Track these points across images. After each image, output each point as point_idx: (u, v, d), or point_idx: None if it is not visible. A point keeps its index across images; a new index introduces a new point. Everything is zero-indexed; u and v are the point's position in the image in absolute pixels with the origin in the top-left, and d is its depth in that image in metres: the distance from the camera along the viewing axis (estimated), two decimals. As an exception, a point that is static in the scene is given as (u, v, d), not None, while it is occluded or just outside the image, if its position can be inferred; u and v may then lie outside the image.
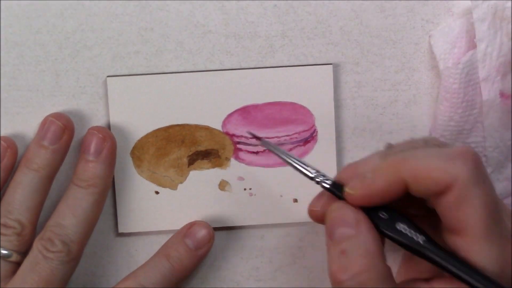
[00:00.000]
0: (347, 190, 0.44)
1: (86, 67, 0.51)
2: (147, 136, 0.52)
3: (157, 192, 0.52)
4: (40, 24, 0.51)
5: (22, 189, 0.49)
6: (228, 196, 0.52)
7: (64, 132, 0.50)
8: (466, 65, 0.50)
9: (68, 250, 0.48)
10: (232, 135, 0.52)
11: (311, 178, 0.45)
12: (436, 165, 0.41)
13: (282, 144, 0.52)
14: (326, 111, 0.52)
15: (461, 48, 0.50)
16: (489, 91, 0.50)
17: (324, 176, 0.45)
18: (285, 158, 0.46)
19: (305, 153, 0.52)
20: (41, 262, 0.48)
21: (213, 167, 0.52)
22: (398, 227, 0.43)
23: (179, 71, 0.52)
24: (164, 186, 0.52)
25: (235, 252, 0.54)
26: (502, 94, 0.51)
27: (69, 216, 0.49)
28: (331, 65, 0.51)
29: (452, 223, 0.41)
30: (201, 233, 0.51)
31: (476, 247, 0.40)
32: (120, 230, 0.53)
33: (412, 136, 0.53)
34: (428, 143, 0.45)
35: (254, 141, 0.52)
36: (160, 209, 0.52)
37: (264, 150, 0.52)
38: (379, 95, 0.52)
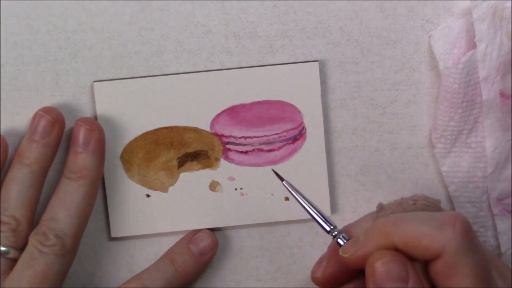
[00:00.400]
0: (340, 253, 0.44)
1: (86, 67, 0.51)
2: (136, 139, 0.52)
3: (148, 196, 0.52)
4: (40, 24, 0.51)
5: (16, 185, 0.49)
6: (219, 196, 0.52)
7: (54, 125, 0.50)
8: (466, 65, 0.50)
9: (63, 244, 0.48)
10: (221, 136, 0.52)
11: (327, 232, 0.46)
12: (425, 232, 0.41)
13: (271, 142, 0.52)
14: (313, 108, 0.52)
15: (461, 48, 0.50)
16: (489, 91, 0.50)
17: (340, 232, 0.45)
18: (306, 207, 0.46)
19: (295, 150, 0.52)
20: (36, 257, 0.48)
21: (203, 168, 0.52)
22: None
23: (174, 72, 0.51)
24: (155, 189, 0.52)
25: (235, 252, 0.54)
26: (502, 94, 0.51)
27: (61, 210, 0.49)
28: (317, 62, 0.51)
29: None
30: (206, 241, 0.52)
31: None
32: (113, 234, 0.53)
33: (412, 136, 0.53)
34: (417, 204, 0.45)
35: (243, 140, 0.52)
36: (152, 212, 0.52)
37: (253, 150, 0.52)
38: (379, 95, 0.52)
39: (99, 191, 0.51)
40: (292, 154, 0.52)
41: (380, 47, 0.52)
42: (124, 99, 0.51)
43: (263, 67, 0.52)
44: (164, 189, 0.52)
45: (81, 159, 0.49)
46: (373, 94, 0.52)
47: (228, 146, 0.52)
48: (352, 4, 0.51)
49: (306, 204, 0.46)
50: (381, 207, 0.47)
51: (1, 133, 0.51)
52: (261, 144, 0.52)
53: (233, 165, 0.52)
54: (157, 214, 0.52)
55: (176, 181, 0.52)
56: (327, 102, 0.52)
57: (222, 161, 0.52)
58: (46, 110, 0.50)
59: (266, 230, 0.54)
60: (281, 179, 0.48)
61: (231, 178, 0.52)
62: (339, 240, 0.45)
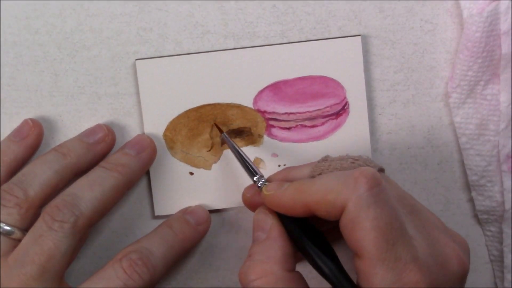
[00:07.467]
0: (263, 189, 0.45)
1: (85, 67, 0.52)
2: (178, 117, 0.52)
3: (191, 173, 0.52)
4: (39, 24, 0.51)
5: (44, 164, 0.48)
6: (263, 173, 0.52)
7: (106, 139, 0.51)
8: (490, 14, 0.49)
9: (75, 222, 0.46)
10: (264, 112, 0.52)
11: (254, 181, 0.47)
12: (331, 188, 0.41)
13: (314, 118, 0.52)
14: (356, 83, 0.52)
15: None
16: (508, 45, 0.50)
17: (264, 180, 0.47)
18: (241, 156, 0.49)
19: (338, 126, 0.52)
20: (45, 234, 0.45)
21: (247, 145, 0.52)
22: (307, 246, 0.43)
23: (207, 50, 0.51)
24: (198, 167, 0.52)
25: (235, 252, 0.54)
26: (521, 50, 0.50)
27: (87, 190, 0.47)
28: (359, 37, 0.51)
29: (350, 245, 0.41)
30: (200, 212, 0.52)
31: (372, 270, 0.40)
32: (157, 213, 0.53)
33: (411, 136, 0.53)
34: (355, 164, 0.46)
35: (286, 116, 0.52)
36: (195, 190, 0.52)
37: (297, 126, 0.52)
38: (378, 95, 0.52)
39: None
40: (336, 129, 0.52)
41: (378, 47, 0.52)
42: (166, 77, 0.51)
43: (305, 42, 0.51)
44: (207, 167, 0.52)
45: (127, 159, 0.49)
46: (372, 95, 0.52)
47: (271, 122, 0.52)
48: (351, 4, 0.51)
49: (241, 157, 0.49)
50: (325, 158, 0.47)
51: (1, 133, 0.52)
52: (304, 120, 0.52)
53: (276, 141, 0.52)
54: (201, 192, 0.52)
55: (219, 158, 0.52)
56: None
57: (265, 138, 0.52)
58: (101, 126, 0.51)
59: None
60: (221, 131, 0.51)
61: (274, 155, 0.52)
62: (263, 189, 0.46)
